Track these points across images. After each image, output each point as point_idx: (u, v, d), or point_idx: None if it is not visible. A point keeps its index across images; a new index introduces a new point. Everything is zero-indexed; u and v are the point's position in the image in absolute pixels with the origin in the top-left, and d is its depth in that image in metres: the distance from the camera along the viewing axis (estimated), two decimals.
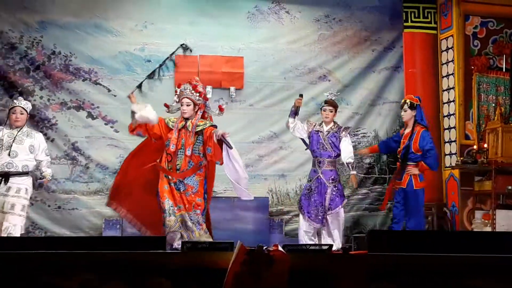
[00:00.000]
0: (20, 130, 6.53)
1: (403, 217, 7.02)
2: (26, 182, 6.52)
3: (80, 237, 7.31)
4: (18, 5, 7.85)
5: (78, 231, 7.85)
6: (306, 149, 7.23)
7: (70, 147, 7.95)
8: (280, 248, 4.19)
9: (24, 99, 7.75)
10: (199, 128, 6.39)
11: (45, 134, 7.82)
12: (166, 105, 6.62)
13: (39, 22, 7.90)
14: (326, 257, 4.32)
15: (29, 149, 6.53)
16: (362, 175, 8.47)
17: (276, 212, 8.33)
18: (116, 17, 8.14)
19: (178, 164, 6.32)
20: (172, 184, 6.33)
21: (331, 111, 7.11)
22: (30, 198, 7.56)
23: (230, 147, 6.24)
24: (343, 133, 7.08)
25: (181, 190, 6.32)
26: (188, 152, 6.32)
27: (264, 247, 4.13)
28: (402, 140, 7.11)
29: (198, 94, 6.47)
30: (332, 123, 7.14)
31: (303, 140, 7.21)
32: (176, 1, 8.27)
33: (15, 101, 6.69)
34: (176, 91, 6.56)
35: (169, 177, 6.34)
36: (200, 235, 6.22)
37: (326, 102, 7.17)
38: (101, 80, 8.07)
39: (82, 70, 8.03)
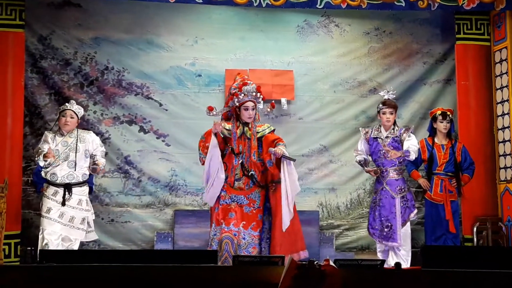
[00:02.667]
0: (72, 135, 6.49)
1: None
2: (86, 193, 6.55)
3: (132, 250, 7.40)
4: (72, 23, 8.04)
5: (130, 243, 7.95)
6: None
7: (123, 161, 8.08)
8: (331, 263, 4.16)
9: None
10: (259, 135, 6.16)
11: None
12: (210, 108, 6.16)
13: (93, 38, 8.07)
14: (378, 272, 4.27)
15: (85, 154, 6.54)
16: (414, 189, 8.35)
17: (327, 226, 8.28)
18: (167, 33, 8.25)
19: (237, 175, 6.11)
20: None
21: (392, 113, 6.79)
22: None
23: (293, 160, 6.00)
24: (405, 134, 6.78)
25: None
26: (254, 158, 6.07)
27: (315, 262, 4.11)
28: (435, 152, 7.16)
29: (261, 96, 6.16)
30: (392, 126, 6.86)
31: (361, 163, 6.87)
32: (226, 17, 8.35)
33: (67, 104, 6.65)
34: (237, 94, 6.10)
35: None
36: None
37: (384, 103, 6.85)
38: (152, 95, 8.19)
39: (134, 85, 8.17)
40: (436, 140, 7.26)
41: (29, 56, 7.86)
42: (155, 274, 4.22)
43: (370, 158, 6.98)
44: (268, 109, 6.37)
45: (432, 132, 7.34)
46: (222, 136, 6.14)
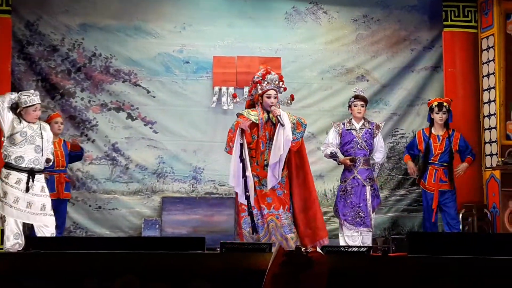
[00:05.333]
0: (36, 122, 6.41)
1: None
2: (43, 179, 6.45)
3: (120, 237, 7.41)
4: (59, 9, 7.98)
5: (118, 231, 7.95)
6: (339, 164, 7.12)
7: (110, 148, 8.06)
8: (318, 250, 4.19)
9: (66, 101, 7.96)
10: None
11: (86, 135, 8.00)
12: (234, 95, 6.76)
13: (80, 24, 8.02)
14: (365, 259, 4.31)
15: (47, 142, 6.48)
16: (401, 176, 8.41)
17: None
18: (155, 19, 8.21)
19: (266, 160, 6.27)
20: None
21: (363, 106, 7.05)
22: (71, 197, 7.75)
23: (282, 124, 6.17)
24: (376, 130, 7.05)
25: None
26: None
27: (303, 249, 4.14)
28: (430, 142, 7.23)
29: (283, 86, 6.47)
30: (362, 120, 7.08)
31: (332, 155, 7.05)
32: (214, 3, 8.32)
33: (33, 97, 6.39)
34: (260, 81, 6.38)
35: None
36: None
37: (356, 97, 7.09)
38: (140, 82, 8.16)
39: (122, 72, 8.13)
40: (433, 130, 7.32)
41: (16, 42, 7.81)
42: (143, 261, 4.23)
43: (338, 150, 7.11)
44: (288, 101, 6.60)
45: (431, 122, 7.38)
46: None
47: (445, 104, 7.26)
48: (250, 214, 6.16)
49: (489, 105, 8.04)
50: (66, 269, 4.19)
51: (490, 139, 8.00)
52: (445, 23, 8.29)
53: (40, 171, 6.41)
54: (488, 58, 8.06)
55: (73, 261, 4.22)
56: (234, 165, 6.19)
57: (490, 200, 7.87)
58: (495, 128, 7.93)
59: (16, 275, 4.10)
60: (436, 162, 7.23)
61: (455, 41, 8.25)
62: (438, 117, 7.24)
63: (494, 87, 7.94)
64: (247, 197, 6.15)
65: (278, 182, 6.27)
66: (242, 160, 6.14)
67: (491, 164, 7.92)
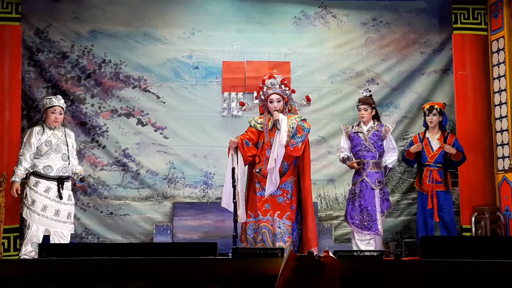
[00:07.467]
0: (60, 129, 6.47)
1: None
2: (70, 187, 6.53)
3: (132, 243, 7.41)
4: (69, 16, 8.03)
5: (129, 236, 7.97)
6: (359, 166, 7.06)
7: (121, 154, 8.08)
8: (331, 254, 4.17)
9: (76, 107, 7.99)
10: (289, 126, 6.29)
11: (96, 141, 8.01)
12: (242, 103, 6.62)
13: (89, 31, 8.06)
14: (378, 263, 4.28)
15: (73, 148, 6.54)
16: (412, 179, 8.37)
17: (325, 217, 8.30)
18: (164, 26, 8.24)
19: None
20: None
21: (366, 110, 7.03)
22: (83, 204, 7.78)
23: (278, 129, 6.13)
24: (385, 133, 7.01)
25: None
26: None
27: (315, 253, 4.11)
28: (427, 145, 7.26)
29: (287, 88, 6.41)
30: (371, 122, 7.06)
31: (344, 160, 7.05)
32: (223, 9, 8.34)
33: (53, 99, 6.55)
34: (261, 87, 6.47)
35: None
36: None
37: (360, 100, 7.09)
38: (150, 88, 8.19)
39: (132, 78, 8.16)
40: (427, 134, 7.37)
41: (26, 49, 7.85)
42: (154, 267, 4.22)
43: (351, 154, 7.13)
44: (304, 103, 6.55)
45: (426, 126, 7.43)
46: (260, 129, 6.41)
47: (436, 106, 7.27)
48: (235, 221, 6.14)
49: (500, 108, 8.00)
50: (79, 275, 4.19)
51: (502, 141, 7.96)
52: (454, 25, 8.26)
53: (68, 178, 6.47)
54: (498, 60, 8.03)
55: (85, 267, 4.22)
56: (226, 188, 6.23)
57: (502, 203, 7.82)
58: (506, 130, 7.89)
59: (30, 281, 4.11)
60: (431, 163, 7.24)
61: (465, 44, 8.22)
62: (428, 119, 7.29)
63: (505, 89, 7.90)
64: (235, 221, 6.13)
65: (282, 189, 6.24)
66: (234, 186, 6.10)
67: (503, 167, 7.88)
